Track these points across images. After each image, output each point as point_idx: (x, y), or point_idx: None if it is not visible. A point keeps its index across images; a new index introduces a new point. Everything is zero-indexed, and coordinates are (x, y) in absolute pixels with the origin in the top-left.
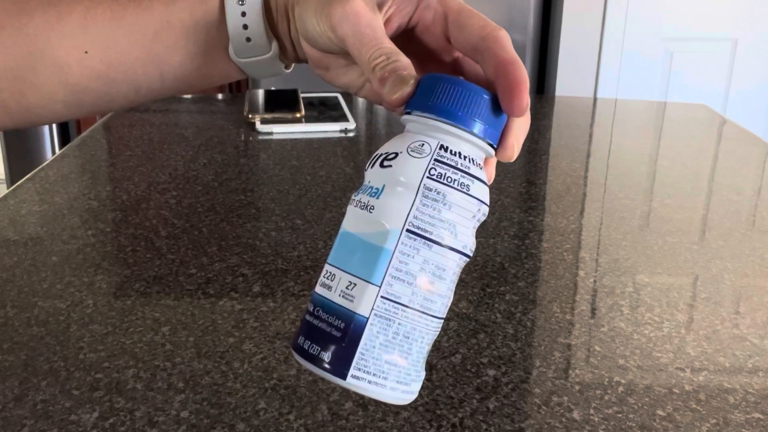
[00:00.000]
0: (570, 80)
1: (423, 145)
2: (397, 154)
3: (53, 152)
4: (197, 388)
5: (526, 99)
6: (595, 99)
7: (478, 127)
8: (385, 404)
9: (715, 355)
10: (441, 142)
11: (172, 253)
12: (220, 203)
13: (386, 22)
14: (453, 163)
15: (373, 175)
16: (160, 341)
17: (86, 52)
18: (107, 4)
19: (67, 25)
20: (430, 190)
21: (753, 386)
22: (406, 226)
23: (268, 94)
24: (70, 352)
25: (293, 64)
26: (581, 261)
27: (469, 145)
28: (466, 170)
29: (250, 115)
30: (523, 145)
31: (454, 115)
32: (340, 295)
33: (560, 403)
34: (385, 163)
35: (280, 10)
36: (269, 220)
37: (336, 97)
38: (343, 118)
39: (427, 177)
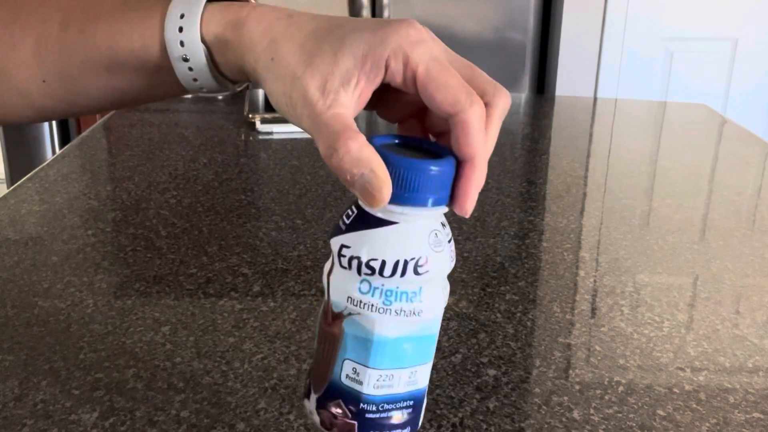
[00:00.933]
0: (570, 80)
1: (437, 234)
2: (427, 258)
3: (53, 152)
4: (197, 387)
5: (469, 204)
6: (595, 99)
7: (431, 201)
8: None
9: (715, 354)
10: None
11: (172, 253)
12: (220, 203)
13: (358, 95)
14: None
15: (403, 284)
16: (160, 341)
17: (44, 81)
18: (56, 35)
19: (21, 55)
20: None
21: (753, 386)
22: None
23: None
24: (70, 352)
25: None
26: (581, 261)
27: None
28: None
29: (250, 115)
30: (524, 144)
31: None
32: (404, 386)
33: (560, 403)
34: (420, 270)
35: (231, 66)
36: (269, 219)
37: None
38: None
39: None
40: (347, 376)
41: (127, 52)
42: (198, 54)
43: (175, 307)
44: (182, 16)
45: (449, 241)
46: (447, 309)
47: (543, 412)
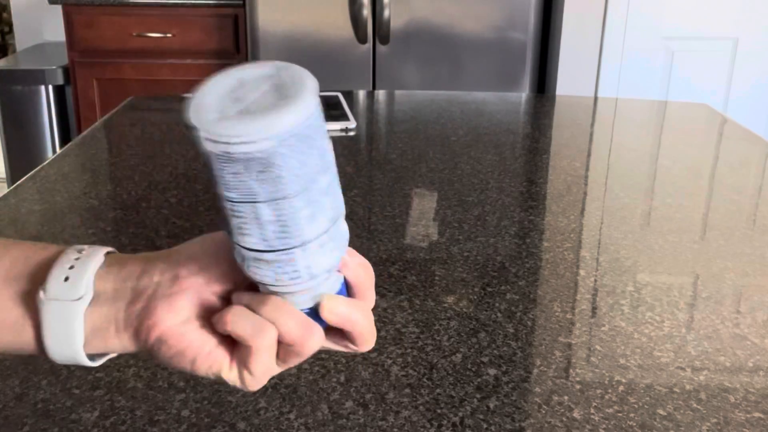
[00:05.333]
0: (571, 79)
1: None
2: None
3: (54, 151)
4: (198, 387)
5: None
6: (595, 98)
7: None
8: (386, 404)
9: (715, 354)
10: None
11: None
12: None
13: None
14: None
15: None
16: None
17: None
18: None
19: None
20: None
21: (753, 385)
22: None
23: None
24: None
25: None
26: (582, 260)
27: None
28: None
29: None
30: (524, 144)
31: None
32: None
33: (561, 402)
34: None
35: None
36: None
37: (337, 96)
38: (343, 117)
39: None
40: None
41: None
42: (88, 268)
43: None
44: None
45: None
46: (447, 309)
47: (543, 412)
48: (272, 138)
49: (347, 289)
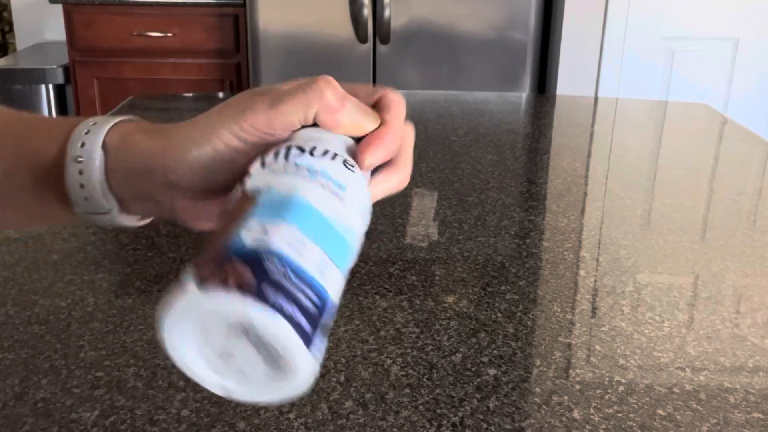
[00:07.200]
0: (571, 79)
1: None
2: (354, 165)
3: None
4: (198, 386)
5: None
6: (596, 98)
7: None
8: (385, 404)
9: (715, 354)
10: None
11: (172, 252)
12: None
13: None
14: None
15: (331, 167)
16: None
17: None
18: None
19: None
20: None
21: (753, 386)
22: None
23: None
24: (70, 351)
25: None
26: (582, 260)
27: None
28: None
29: None
30: (524, 144)
31: None
32: (314, 268)
33: (560, 403)
34: (348, 165)
35: (129, 177)
36: None
37: None
38: None
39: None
40: (253, 237)
41: (30, 153)
42: (93, 157)
43: None
44: (94, 124)
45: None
46: (447, 308)
47: (543, 412)
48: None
49: None
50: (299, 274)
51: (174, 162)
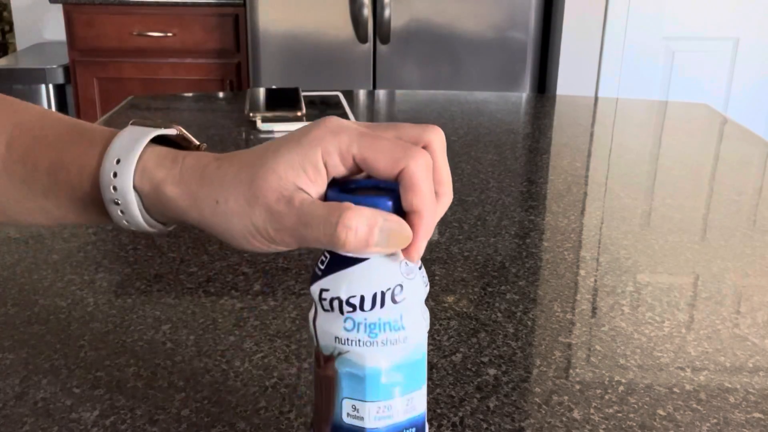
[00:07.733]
0: (571, 79)
1: (407, 263)
2: (401, 287)
3: None
4: (198, 386)
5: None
6: (596, 98)
7: None
8: None
9: (715, 354)
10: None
11: (172, 252)
12: None
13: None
14: None
15: (384, 314)
16: (160, 339)
17: None
18: (1, 154)
19: None
20: None
21: (753, 386)
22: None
23: (270, 92)
24: (70, 350)
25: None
26: (582, 260)
27: None
28: None
29: (251, 114)
30: (524, 144)
31: None
32: (404, 414)
33: (561, 403)
34: (395, 296)
35: (165, 215)
36: None
37: (337, 96)
38: (344, 116)
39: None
40: (348, 414)
41: (64, 183)
42: (129, 200)
43: (176, 306)
44: (118, 161)
45: (420, 268)
46: (447, 308)
47: (543, 412)
48: None
49: None
50: (394, 430)
51: (214, 232)
